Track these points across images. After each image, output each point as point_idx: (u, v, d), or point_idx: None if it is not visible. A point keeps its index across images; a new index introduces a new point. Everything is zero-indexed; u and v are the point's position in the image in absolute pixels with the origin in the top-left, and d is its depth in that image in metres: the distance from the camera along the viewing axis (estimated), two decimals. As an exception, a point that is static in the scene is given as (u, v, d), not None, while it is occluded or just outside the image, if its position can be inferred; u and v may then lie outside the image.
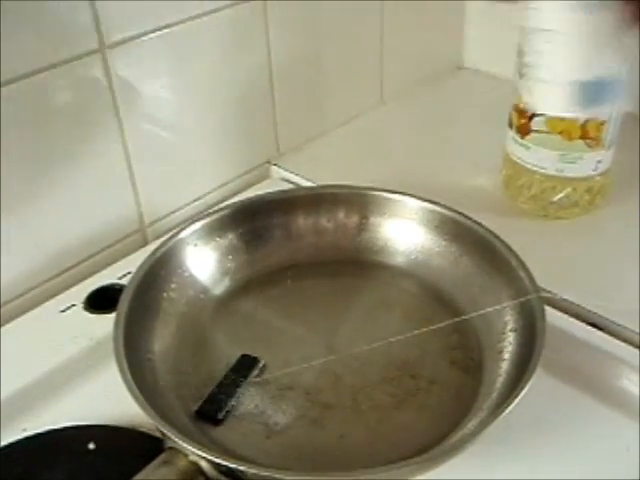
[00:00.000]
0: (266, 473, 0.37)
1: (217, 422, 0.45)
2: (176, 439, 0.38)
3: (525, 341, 0.46)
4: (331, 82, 0.77)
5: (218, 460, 0.37)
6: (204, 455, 0.37)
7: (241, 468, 0.37)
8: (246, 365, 0.48)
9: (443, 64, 0.93)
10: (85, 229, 0.60)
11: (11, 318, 0.56)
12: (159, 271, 0.51)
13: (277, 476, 0.37)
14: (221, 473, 0.38)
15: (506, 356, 0.47)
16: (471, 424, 0.43)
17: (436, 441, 0.43)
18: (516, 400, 0.40)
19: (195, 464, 0.38)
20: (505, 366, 0.46)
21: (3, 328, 0.55)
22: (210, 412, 0.45)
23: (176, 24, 0.59)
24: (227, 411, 0.45)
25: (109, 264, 0.61)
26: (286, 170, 0.73)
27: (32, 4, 0.50)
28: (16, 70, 0.51)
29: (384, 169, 0.71)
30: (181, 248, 0.53)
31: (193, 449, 0.38)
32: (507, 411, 0.40)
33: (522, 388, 0.41)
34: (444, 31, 0.91)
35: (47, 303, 0.57)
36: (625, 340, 0.51)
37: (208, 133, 0.67)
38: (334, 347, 0.50)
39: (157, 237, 0.64)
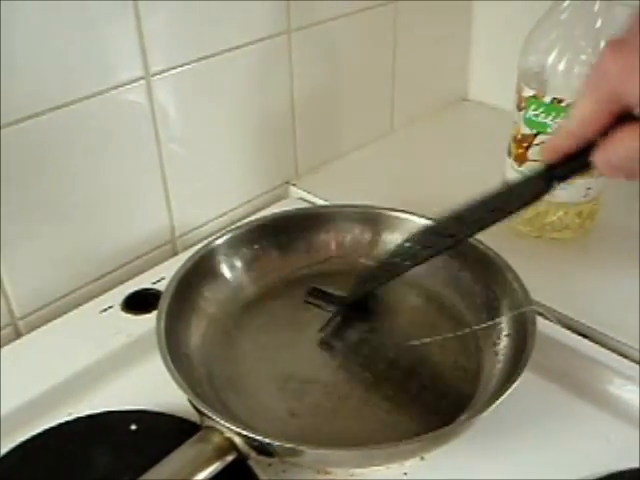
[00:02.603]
0: (290, 445, 0.43)
1: None
2: (215, 417, 0.44)
3: (518, 345, 0.51)
4: (346, 111, 0.83)
5: (253, 435, 0.43)
6: (240, 431, 0.43)
7: (270, 441, 0.42)
8: None
9: (449, 96, 0.98)
10: (123, 239, 0.66)
11: (56, 316, 0.61)
12: (194, 275, 0.57)
13: (300, 448, 0.43)
14: (252, 448, 0.44)
15: (501, 358, 0.53)
16: (467, 415, 0.49)
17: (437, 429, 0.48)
18: (504, 395, 0.45)
19: (229, 440, 0.44)
20: (500, 367, 0.52)
21: (49, 325, 0.61)
22: None
23: (211, 56, 0.65)
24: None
25: (143, 271, 0.66)
26: (303, 190, 0.79)
27: (89, 35, 0.57)
28: (65, 97, 0.57)
29: (393, 191, 0.76)
30: (213, 256, 0.59)
31: (230, 426, 0.43)
32: (497, 403, 0.45)
33: (511, 385, 0.46)
34: (451, 66, 0.96)
35: (88, 304, 0.63)
36: (609, 348, 0.56)
37: (234, 155, 0.73)
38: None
39: (186, 248, 0.70)
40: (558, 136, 0.42)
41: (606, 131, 0.39)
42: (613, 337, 0.57)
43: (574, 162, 0.42)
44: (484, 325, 0.55)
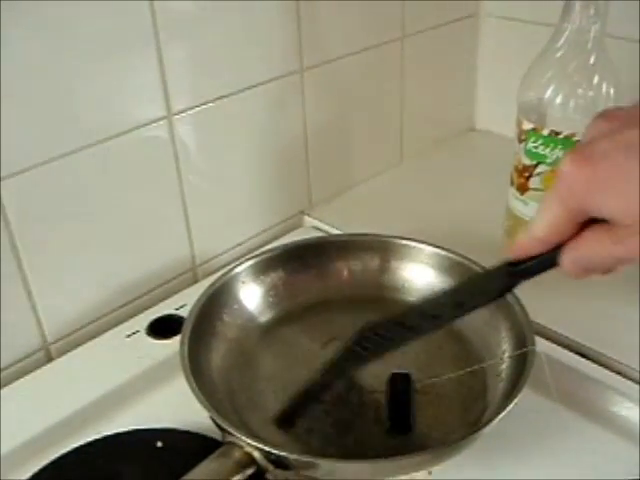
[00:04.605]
0: (304, 458, 0.46)
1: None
2: (235, 433, 0.47)
3: (519, 366, 0.54)
4: (357, 143, 0.87)
5: (270, 449, 0.46)
6: (258, 445, 0.46)
7: (286, 454, 0.46)
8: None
9: (457, 126, 1.01)
10: (147, 268, 0.70)
11: (85, 341, 0.65)
12: (214, 302, 0.60)
13: (314, 461, 0.46)
14: (270, 462, 0.47)
15: (504, 377, 0.56)
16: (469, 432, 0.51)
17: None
18: (502, 414, 0.48)
19: (248, 454, 0.47)
20: (502, 386, 0.55)
21: (79, 349, 0.64)
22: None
23: (229, 95, 0.70)
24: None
25: (166, 297, 0.70)
26: (317, 219, 0.82)
27: (117, 81, 0.61)
28: (92, 137, 0.61)
29: (402, 219, 0.79)
30: (232, 284, 0.62)
31: (249, 441, 0.47)
32: (496, 421, 0.48)
33: (508, 405, 0.49)
34: (458, 97, 1.00)
35: (115, 329, 0.67)
36: (608, 367, 0.59)
37: (250, 186, 0.77)
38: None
39: (206, 276, 0.73)
40: (525, 239, 0.41)
41: (573, 235, 0.39)
42: (611, 356, 0.60)
43: (541, 261, 0.42)
44: (490, 362, 0.58)
